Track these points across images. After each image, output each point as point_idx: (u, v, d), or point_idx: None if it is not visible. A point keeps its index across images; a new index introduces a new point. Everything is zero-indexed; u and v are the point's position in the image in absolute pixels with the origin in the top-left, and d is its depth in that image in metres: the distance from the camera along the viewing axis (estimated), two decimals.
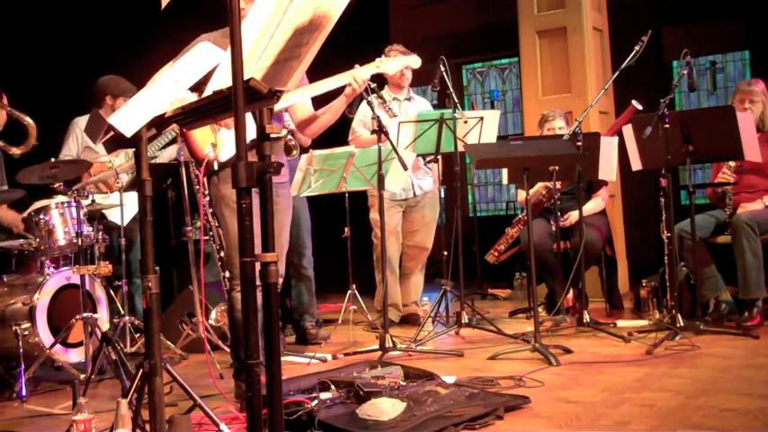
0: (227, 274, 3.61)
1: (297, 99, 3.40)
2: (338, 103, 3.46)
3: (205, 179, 3.47)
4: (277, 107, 3.35)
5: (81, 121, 5.38)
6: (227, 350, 4.06)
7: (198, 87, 2.60)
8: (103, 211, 5.07)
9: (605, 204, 5.56)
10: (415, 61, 3.74)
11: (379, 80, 5.17)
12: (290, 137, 3.99)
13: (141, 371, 2.58)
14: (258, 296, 3.34)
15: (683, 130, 4.48)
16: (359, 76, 3.36)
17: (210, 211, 4.81)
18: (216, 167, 3.34)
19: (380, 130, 4.35)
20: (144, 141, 2.55)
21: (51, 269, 4.33)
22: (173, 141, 5.21)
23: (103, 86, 5.02)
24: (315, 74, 3.53)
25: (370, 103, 4.50)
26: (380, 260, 4.97)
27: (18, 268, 4.65)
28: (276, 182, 3.50)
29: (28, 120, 3.40)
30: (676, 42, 7.56)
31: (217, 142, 3.33)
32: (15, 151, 3.46)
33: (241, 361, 3.45)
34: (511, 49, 7.47)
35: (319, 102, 3.59)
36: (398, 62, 3.58)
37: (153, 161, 5.11)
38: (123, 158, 4.82)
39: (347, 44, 4.95)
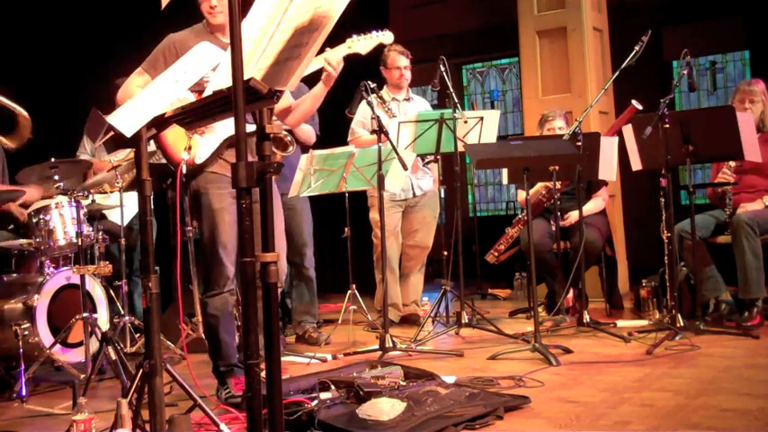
0: None
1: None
2: (318, 90, 3.42)
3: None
4: None
5: None
6: None
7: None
8: (103, 211, 5.08)
9: (605, 204, 5.56)
10: (387, 37, 3.53)
11: (379, 80, 5.17)
12: (284, 132, 3.95)
13: (141, 371, 2.58)
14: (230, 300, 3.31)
15: (682, 130, 4.48)
16: (331, 58, 3.32)
17: None
18: (185, 170, 3.34)
19: (380, 130, 4.35)
20: (144, 141, 2.55)
21: (51, 269, 4.33)
22: None
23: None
24: (314, 74, 3.52)
25: (369, 104, 4.50)
26: (380, 260, 4.97)
27: (18, 268, 4.65)
28: None
29: (19, 109, 3.36)
30: (676, 42, 7.56)
31: (192, 145, 3.34)
32: (10, 144, 3.41)
33: (219, 372, 3.45)
34: (511, 49, 7.46)
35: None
36: (370, 41, 3.44)
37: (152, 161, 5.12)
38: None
39: None
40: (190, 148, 3.32)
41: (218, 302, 3.39)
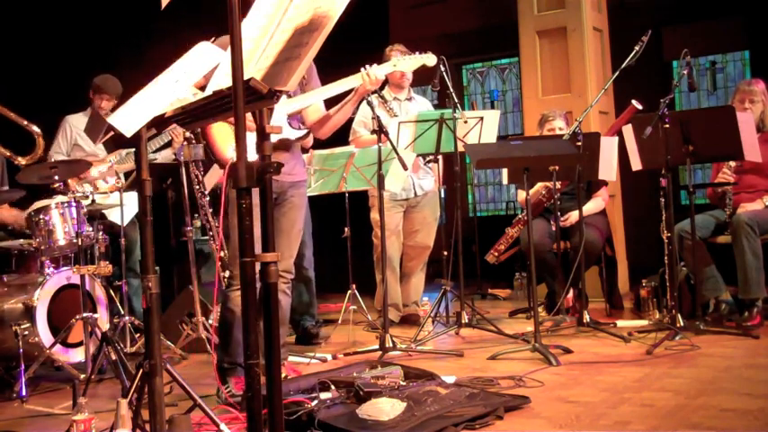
0: (227, 273, 3.62)
1: (312, 101, 3.40)
2: (350, 101, 3.46)
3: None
4: (293, 109, 3.37)
5: (71, 119, 5.43)
6: None
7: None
8: (103, 211, 5.08)
9: (605, 204, 5.56)
10: (430, 60, 3.70)
11: None
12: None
13: (141, 371, 2.58)
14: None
15: (682, 130, 4.48)
16: (373, 73, 3.36)
17: (210, 210, 4.82)
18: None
19: (381, 130, 4.35)
20: (144, 141, 2.55)
21: (51, 269, 4.33)
22: (167, 145, 5.25)
23: (93, 83, 5.28)
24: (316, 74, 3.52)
25: (370, 103, 4.50)
26: (381, 260, 4.97)
27: (18, 268, 4.65)
28: (294, 180, 3.52)
29: (34, 128, 3.37)
30: (676, 42, 7.56)
31: None
32: (21, 161, 3.42)
33: (221, 368, 3.45)
34: (511, 49, 7.46)
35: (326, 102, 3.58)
36: (414, 61, 3.57)
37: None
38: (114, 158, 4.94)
39: (347, 44, 4.95)
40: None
41: (239, 299, 3.39)
